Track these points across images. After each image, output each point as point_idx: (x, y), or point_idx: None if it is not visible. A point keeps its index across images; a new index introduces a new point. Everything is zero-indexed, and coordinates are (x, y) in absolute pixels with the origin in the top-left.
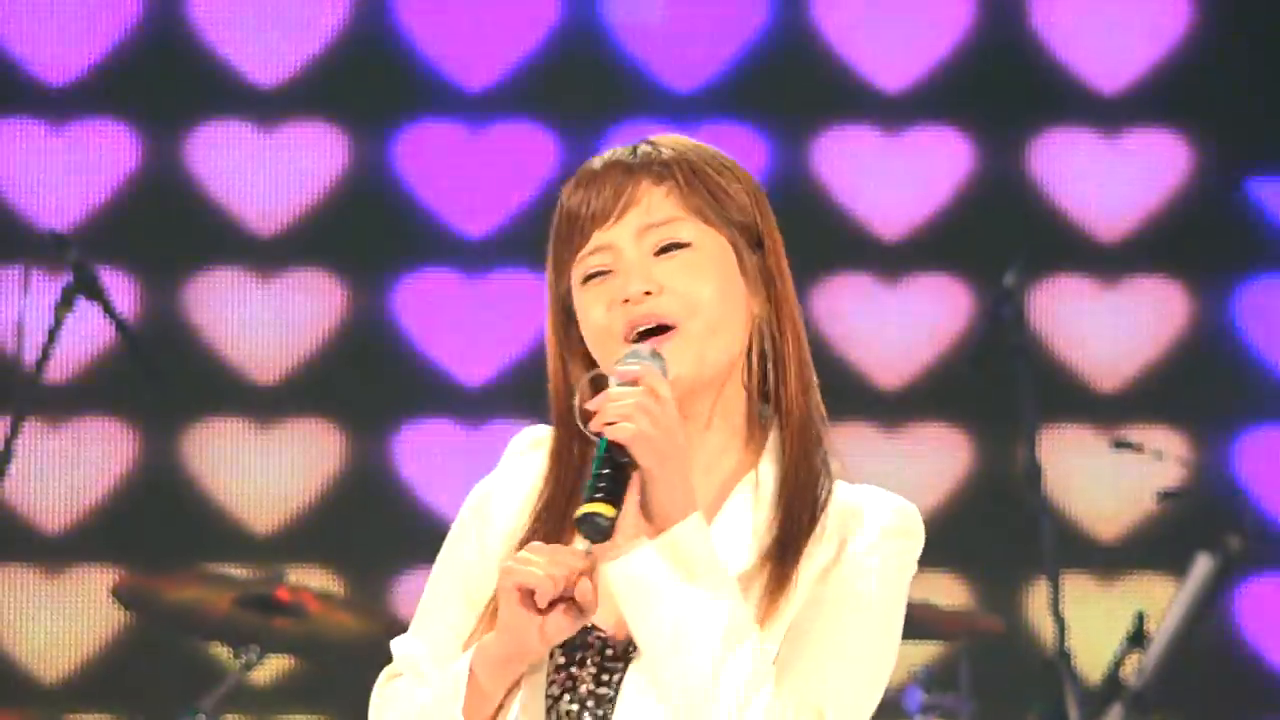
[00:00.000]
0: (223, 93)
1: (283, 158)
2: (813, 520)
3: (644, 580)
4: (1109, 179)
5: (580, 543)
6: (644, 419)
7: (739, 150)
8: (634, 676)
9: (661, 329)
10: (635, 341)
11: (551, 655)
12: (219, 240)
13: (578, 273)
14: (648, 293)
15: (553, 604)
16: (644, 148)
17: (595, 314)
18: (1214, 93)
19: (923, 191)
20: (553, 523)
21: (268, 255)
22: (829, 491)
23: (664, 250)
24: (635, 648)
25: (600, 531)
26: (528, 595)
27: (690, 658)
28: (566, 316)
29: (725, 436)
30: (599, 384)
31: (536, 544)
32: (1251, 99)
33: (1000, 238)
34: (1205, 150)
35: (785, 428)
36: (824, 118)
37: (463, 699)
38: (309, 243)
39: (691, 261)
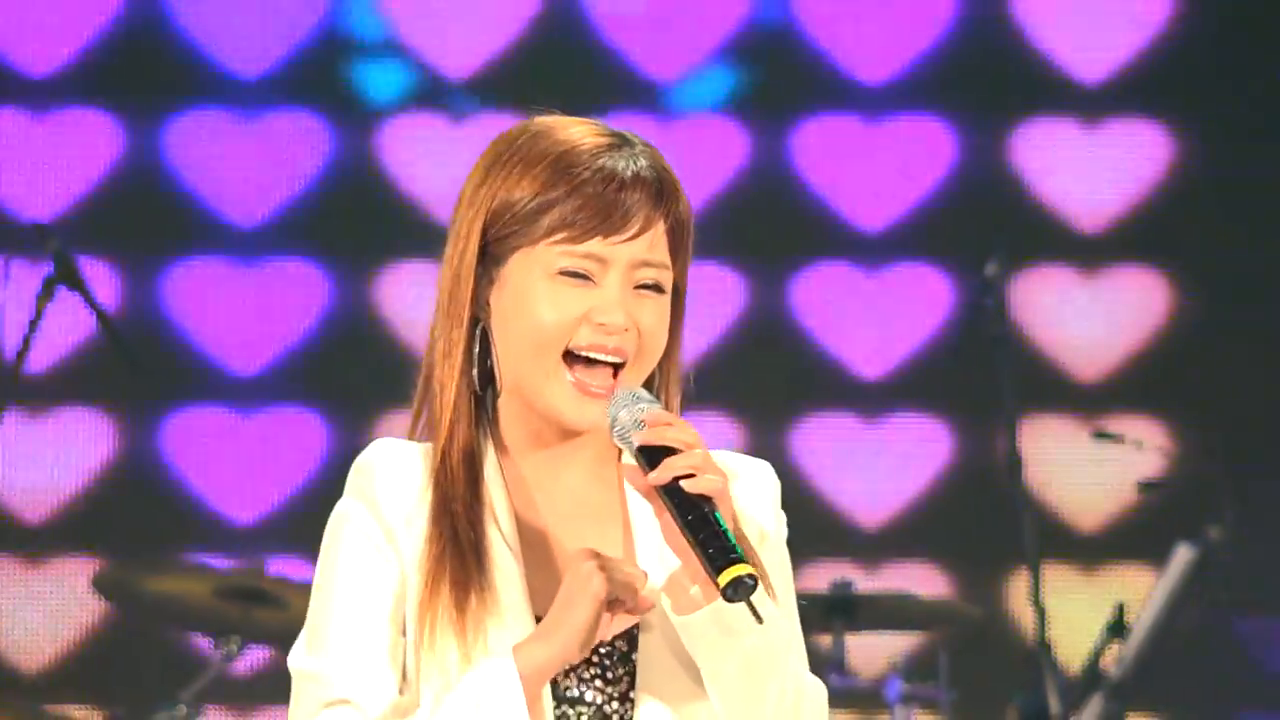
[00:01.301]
0: (204, 83)
1: (267, 148)
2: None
3: (746, 622)
4: (1090, 169)
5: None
6: (714, 467)
7: (720, 142)
8: (646, 685)
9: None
10: (579, 359)
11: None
12: (200, 230)
13: (550, 257)
14: (626, 329)
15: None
16: (657, 168)
17: (558, 310)
18: (1195, 83)
19: (904, 182)
20: (473, 534)
21: (249, 246)
22: None
23: (643, 287)
24: (628, 651)
25: (750, 591)
26: (606, 601)
27: (770, 683)
28: (474, 283)
29: (602, 447)
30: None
31: (595, 550)
32: (1232, 89)
33: (981, 228)
34: (1186, 140)
35: None
36: (806, 108)
37: None
38: (291, 233)
39: (659, 308)
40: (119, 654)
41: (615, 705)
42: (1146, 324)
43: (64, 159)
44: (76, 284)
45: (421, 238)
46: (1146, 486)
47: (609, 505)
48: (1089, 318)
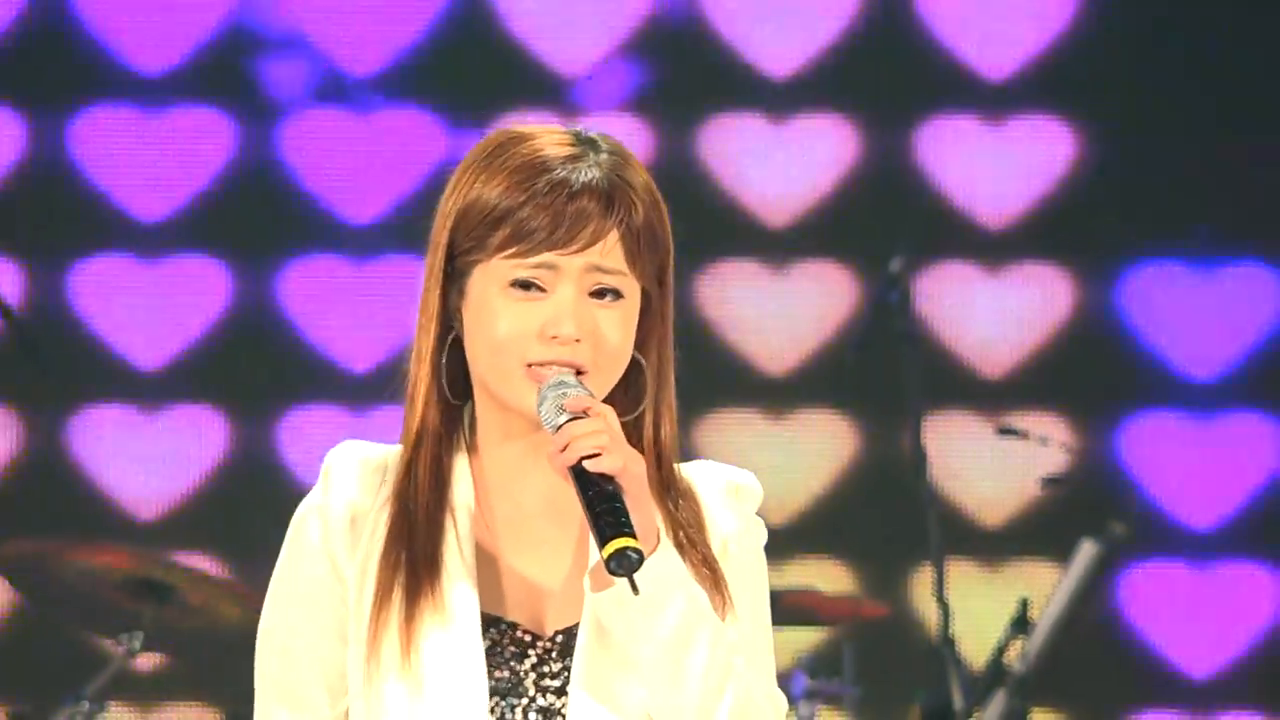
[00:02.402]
0: (108, 80)
1: (172, 143)
2: (695, 511)
3: (652, 598)
4: (994, 165)
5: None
6: (619, 447)
7: (624, 137)
8: (579, 677)
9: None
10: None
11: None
12: (104, 227)
13: (503, 270)
14: (577, 339)
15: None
16: (613, 176)
17: (512, 325)
18: (1099, 80)
19: (809, 178)
20: (428, 543)
21: (153, 242)
22: (687, 480)
23: (599, 294)
24: (571, 644)
25: (633, 565)
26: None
27: (691, 668)
28: (443, 295)
29: None
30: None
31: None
32: (1135, 86)
33: (886, 224)
34: (1090, 137)
35: (655, 439)
36: (711, 105)
37: None
38: (195, 229)
39: (617, 316)
40: (20, 648)
41: (553, 699)
42: (1051, 320)
43: None
44: None
45: (324, 234)
46: (1050, 482)
47: (572, 503)
48: (993, 314)
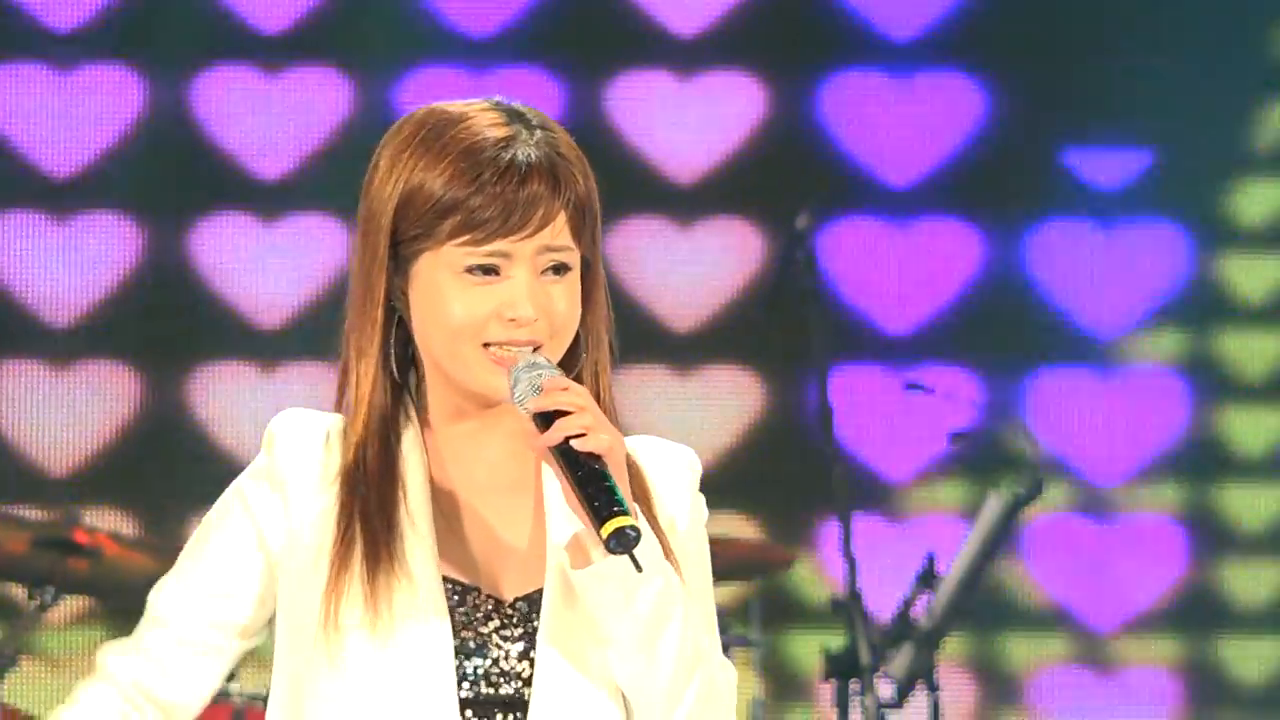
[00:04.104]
0: (20, 37)
1: (83, 101)
2: (643, 486)
3: (625, 578)
4: (900, 123)
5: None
6: (604, 427)
7: (534, 95)
8: (545, 639)
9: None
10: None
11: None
12: (15, 184)
13: (455, 257)
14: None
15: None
16: (553, 154)
17: (469, 310)
18: (1004, 38)
19: (715, 135)
20: (383, 517)
21: (64, 199)
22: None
23: (549, 271)
24: (530, 610)
25: (632, 544)
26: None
27: (665, 644)
28: (387, 279)
29: (519, 421)
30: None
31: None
32: (1042, 44)
33: (792, 181)
34: (1003, 94)
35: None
36: (618, 62)
37: None
38: (106, 186)
39: (567, 288)
40: None
41: (515, 663)
42: (957, 277)
43: None
44: None
45: (234, 191)
46: (957, 437)
47: (524, 477)
48: (899, 270)
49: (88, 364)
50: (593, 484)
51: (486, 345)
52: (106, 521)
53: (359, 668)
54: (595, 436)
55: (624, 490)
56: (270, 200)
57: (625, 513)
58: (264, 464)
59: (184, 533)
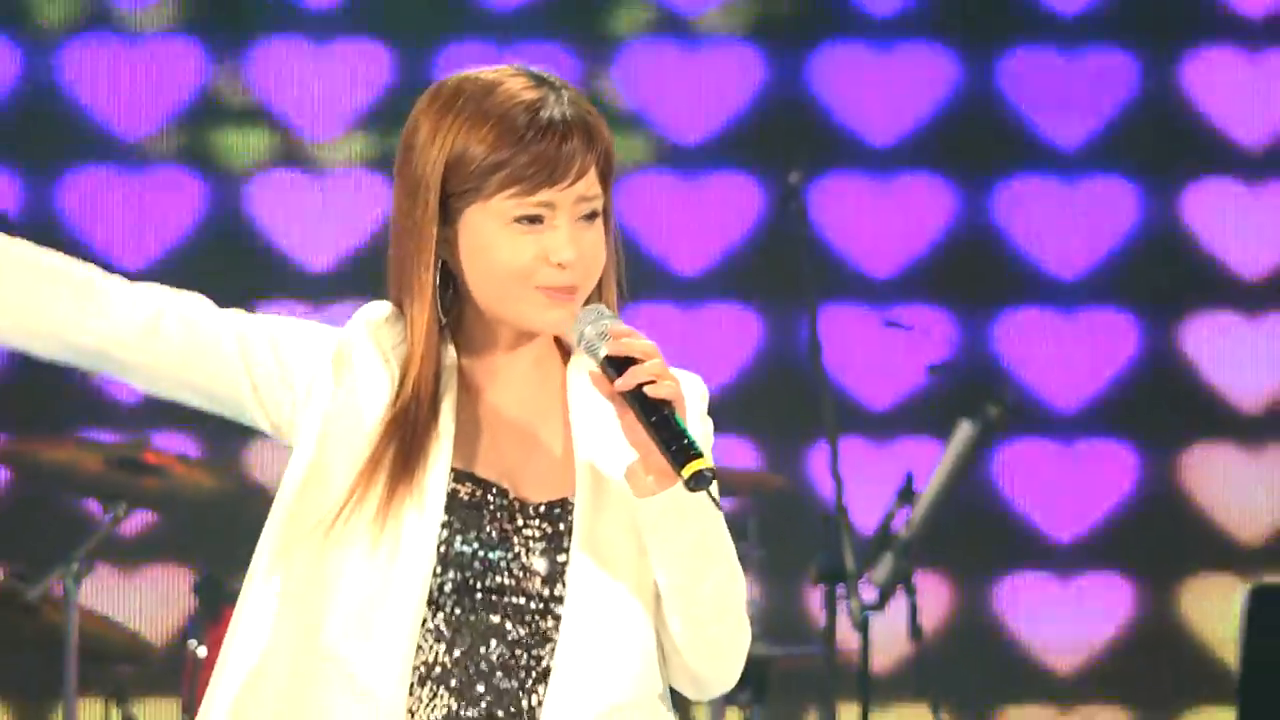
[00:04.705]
0: None
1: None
2: None
3: (699, 507)
4: (885, 89)
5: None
6: (672, 377)
7: (545, 63)
8: (579, 541)
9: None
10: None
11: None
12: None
13: (505, 208)
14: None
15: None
16: (581, 112)
17: (517, 256)
18: (978, 9)
19: (718, 100)
20: (418, 432)
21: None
22: None
23: (582, 218)
24: (555, 515)
25: (708, 483)
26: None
27: (708, 570)
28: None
29: (543, 352)
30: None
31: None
32: (1010, 11)
33: (786, 142)
34: (973, 63)
35: None
36: (631, 34)
37: None
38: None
39: (598, 233)
40: (18, 518)
41: (536, 559)
42: (932, 226)
43: None
44: None
45: (288, 153)
46: (933, 369)
47: (551, 403)
48: (882, 220)
49: None
50: (668, 428)
51: (538, 288)
52: (173, 444)
53: (356, 557)
54: (665, 384)
55: (692, 432)
56: (318, 160)
57: (701, 455)
58: (343, 335)
59: (242, 455)
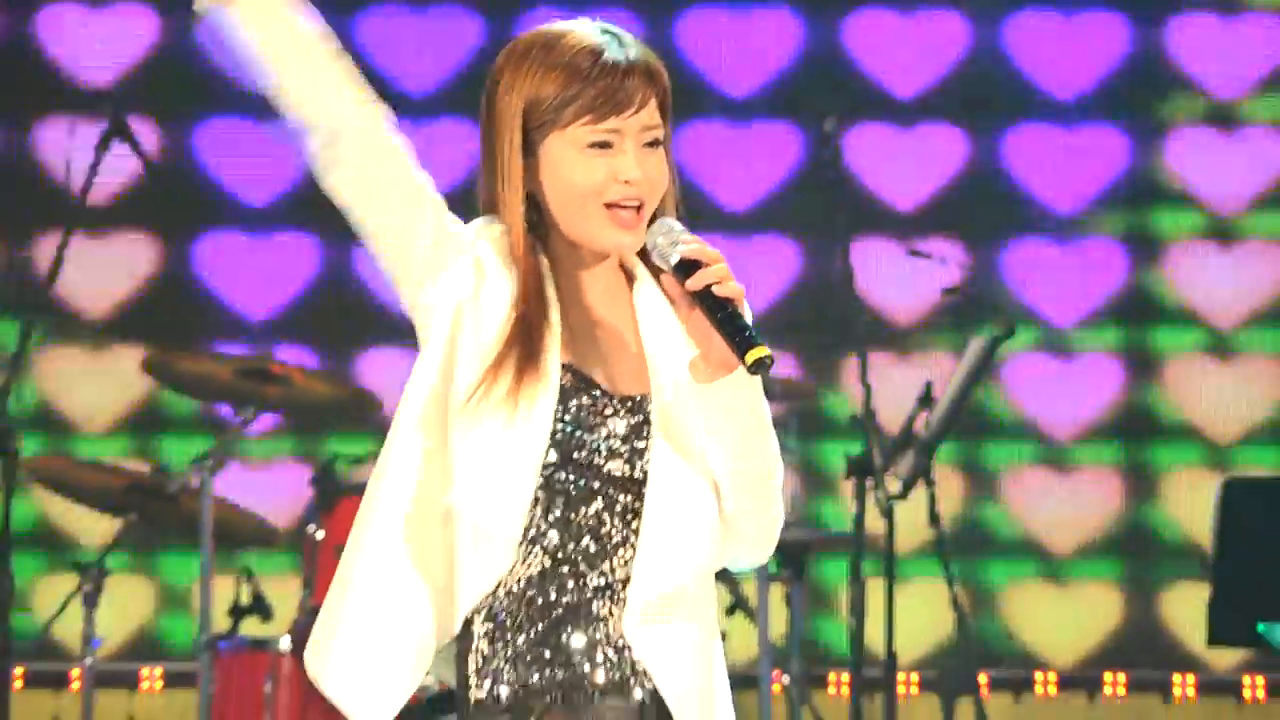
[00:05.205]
0: None
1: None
2: None
3: (752, 391)
4: (904, 48)
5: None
6: (735, 279)
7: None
8: (658, 430)
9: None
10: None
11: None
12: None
13: (579, 135)
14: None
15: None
16: (643, 56)
17: (591, 176)
18: None
19: (763, 59)
20: (537, 329)
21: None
22: None
23: (648, 145)
24: (636, 407)
25: (768, 368)
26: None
27: (761, 445)
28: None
29: (614, 271)
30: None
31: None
32: None
33: (822, 95)
34: (984, 25)
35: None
36: (685, 1)
37: None
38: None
39: (660, 159)
40: (159, 420)
41: (619, 443)
42: (950, 168)
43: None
44: (127, 136)
45: (390, 101)
46: (949, 292)
47: (624, 316)
48: (905, 163)
49: (280, 235)
50: (733, 322)
51: (609, 206)
52: (294, 357)
53: (486, 430)
54: (731, 285)
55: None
56: (418, 109)
57: (762, 344)
58: (479, 250)
59: (356, 368)
